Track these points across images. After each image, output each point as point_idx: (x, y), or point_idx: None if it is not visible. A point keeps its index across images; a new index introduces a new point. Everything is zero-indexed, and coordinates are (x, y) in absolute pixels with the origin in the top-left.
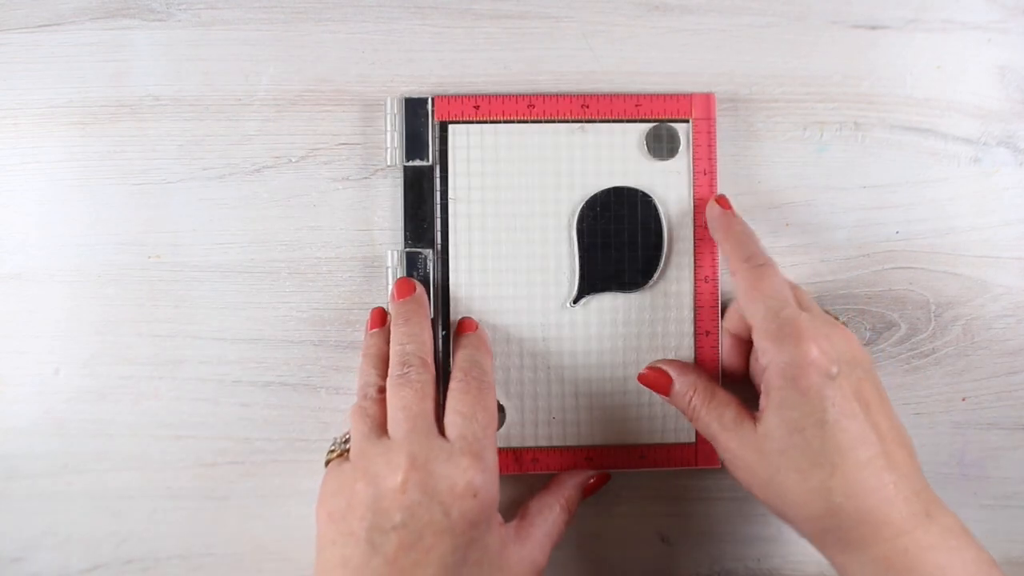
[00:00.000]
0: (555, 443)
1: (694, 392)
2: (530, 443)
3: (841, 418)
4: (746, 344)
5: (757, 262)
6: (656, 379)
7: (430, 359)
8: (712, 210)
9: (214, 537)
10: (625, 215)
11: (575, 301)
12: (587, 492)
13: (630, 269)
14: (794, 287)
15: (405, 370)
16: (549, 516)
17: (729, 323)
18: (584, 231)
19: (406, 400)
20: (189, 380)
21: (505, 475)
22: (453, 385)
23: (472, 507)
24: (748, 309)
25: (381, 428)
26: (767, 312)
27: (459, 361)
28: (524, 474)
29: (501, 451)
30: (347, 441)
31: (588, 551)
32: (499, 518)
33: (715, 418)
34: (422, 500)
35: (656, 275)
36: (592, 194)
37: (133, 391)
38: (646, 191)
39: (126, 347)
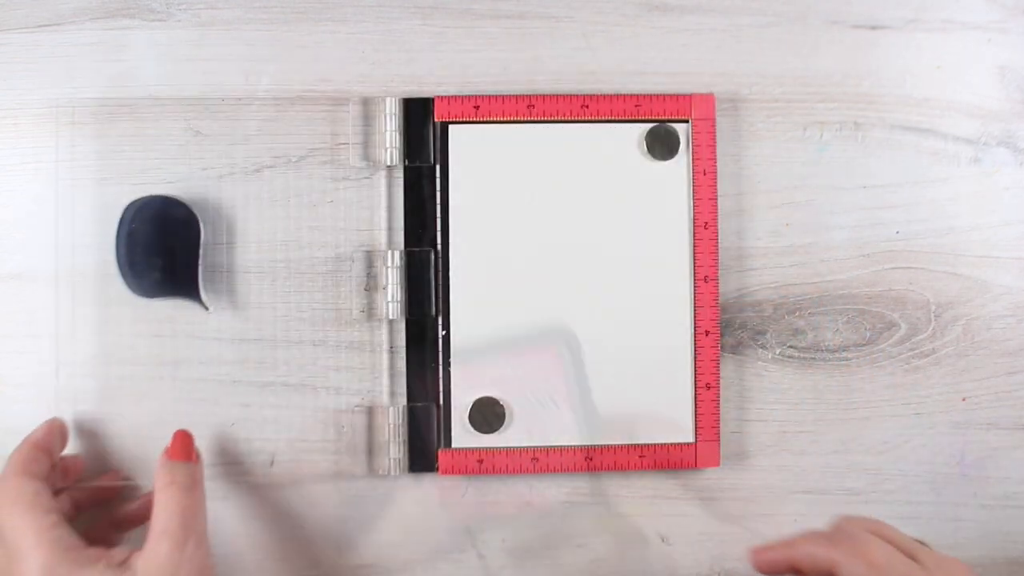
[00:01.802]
0: (555, 443)
1: None
2: (535, 443)
3: None
4: None
5: (848, 531)
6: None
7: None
8: (757, 555)
9: (214, 537)
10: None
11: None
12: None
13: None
14: (880, 529)
15: None
16: None
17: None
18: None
19: None
20: (189, 380)
21: (505, 476)
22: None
23: None
24: None
25: None
26: None
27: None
28: (524, 475)
29: (502, 451)
30: None
31: (588, 551)
32: None
33: None
34: None
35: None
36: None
37: (133, 391)
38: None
39: (126, 347)
